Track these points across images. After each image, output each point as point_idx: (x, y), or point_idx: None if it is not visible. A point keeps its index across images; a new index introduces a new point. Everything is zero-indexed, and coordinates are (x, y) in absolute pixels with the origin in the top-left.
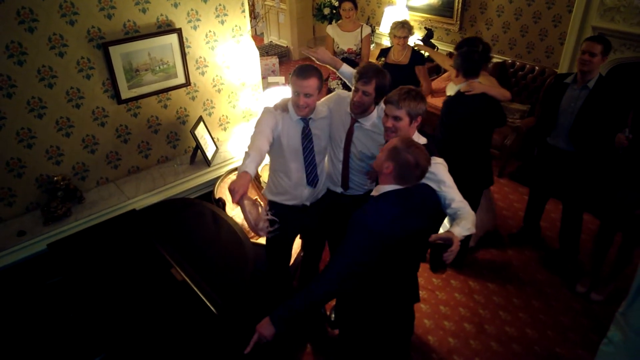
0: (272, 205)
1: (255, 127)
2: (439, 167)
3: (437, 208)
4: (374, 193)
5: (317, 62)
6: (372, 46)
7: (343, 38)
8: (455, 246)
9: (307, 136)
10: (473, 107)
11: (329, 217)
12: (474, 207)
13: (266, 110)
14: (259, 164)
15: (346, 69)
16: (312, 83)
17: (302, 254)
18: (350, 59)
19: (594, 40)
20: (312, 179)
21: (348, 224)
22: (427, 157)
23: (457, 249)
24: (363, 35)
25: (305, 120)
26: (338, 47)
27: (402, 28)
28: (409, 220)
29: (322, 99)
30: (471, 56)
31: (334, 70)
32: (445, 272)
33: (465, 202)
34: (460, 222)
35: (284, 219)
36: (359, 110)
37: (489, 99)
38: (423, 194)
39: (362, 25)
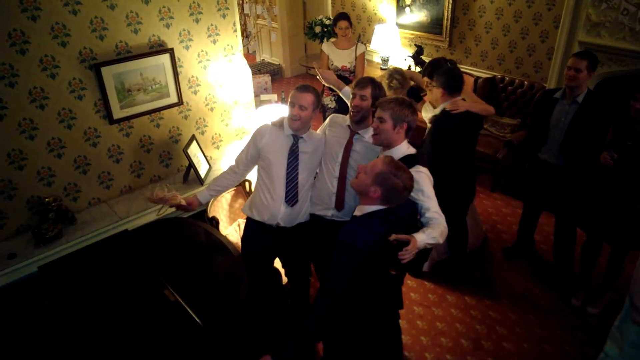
0: (247, 223)
1: (245, 146)
2: (421, 176)
3: (415, 219)
4: (357, 213)
5: (322, 82)
6: None
7: (338, 56)
8: (411, 246)
9: (293, 152)
10: (460, 125)
11: (317, 244)
12: (462, 220)
13: (255, 132)
14: (215, 195)
15: (348, 89)
16: (308, 97)
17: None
18: (344, 77)
19: (580, 56)
20: (291, 197)
21: (335, 245)
22: (412, 177)
23: (414, 250)
24: (357, 54)
25: (296, 138)
26: (332, 65)
27: (390, 87)
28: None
29: (320, 128)
30: (454, 73)
31: (337, 89)
32: (397, 273)
33: (441, 214)
34: (426, 230)
35: (256, 236)
36: (359, 116)
37: (473, 115)
38: (406, 210)
39: (356, 44)
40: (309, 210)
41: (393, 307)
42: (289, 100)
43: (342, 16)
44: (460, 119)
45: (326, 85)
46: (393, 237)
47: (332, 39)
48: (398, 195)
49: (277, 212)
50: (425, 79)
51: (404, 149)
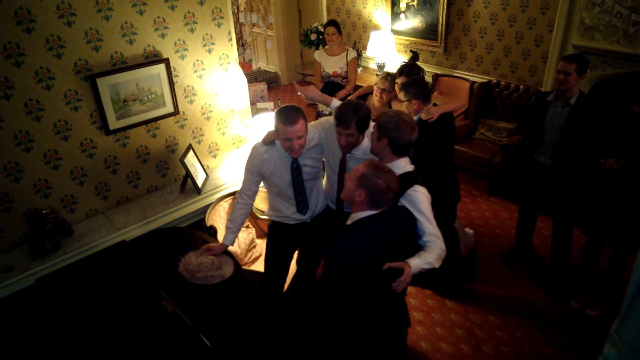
0: (274, 224)
1: (243, 178)
2: (419, 196)
3: (414, 231)
4: (349, 222)
5: (307, 100)
6: (359, 70)
7: (328, 62)
8: (405, 277)
9: (296, 170)
10: (440, 131)
11: (325, 232)
12: (452, 224)
13: (250, 159)
14: (238, 233)
15: (336, 104)
16: (301, 126)
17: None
18: (336, 82)
19: (569, 59)
20: (301, 206)
21: (325, 253)
22: (396, 178)
23: (407, 280)
24: (348, 59)
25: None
26: (324, 71)
27: (385, 80)
28: (384, 245)
29: (312, 124)
30: (423, 81)
31: (324, 105)
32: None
33: (439, 236)
34: (422, 254)
35: (285, 235)
36: (349, 149)
37: (446, 116)
38: (400, 217)
39: (347, 50)
40: (325, 201)
41: (400, 326)
42: (281, 135)
43: (330, 23)
44: (439, 124)
45: (311, 101)
46: (386, 265)
47: (326, 46)
48: (383, 197)
49: (299, 217)
50: (400, 79)
51: (402, 164)
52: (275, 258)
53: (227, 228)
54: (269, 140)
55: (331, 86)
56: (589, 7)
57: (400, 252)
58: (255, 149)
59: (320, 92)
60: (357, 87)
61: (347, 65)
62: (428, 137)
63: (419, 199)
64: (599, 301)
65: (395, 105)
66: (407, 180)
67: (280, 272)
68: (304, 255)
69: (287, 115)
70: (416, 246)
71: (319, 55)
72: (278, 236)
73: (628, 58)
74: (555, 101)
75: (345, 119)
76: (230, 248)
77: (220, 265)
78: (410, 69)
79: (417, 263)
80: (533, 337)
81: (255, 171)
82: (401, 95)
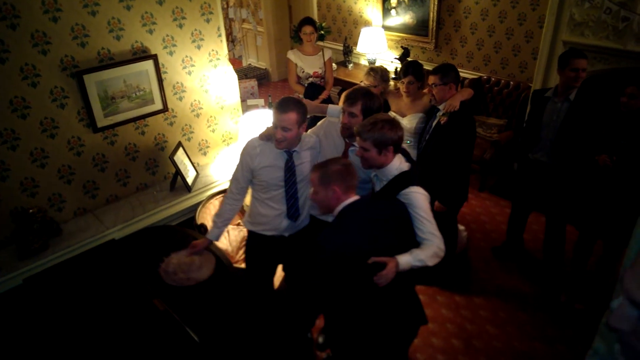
0: (251, 235)
1: (234, 171)
2: (416, 197)
3: (407, 225)
4: (331, 217)
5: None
6: (350, 66)
7: (307, 62)
8: (387, 271)
9: (290, 168)
10: (473, 119)
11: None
12: (454, 219)
13: (242, 151)
14: (224, 229)
15: (332, 108)
16: (290, 117)
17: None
18: (317, 84)
19: (582, 56)
20: (292, 212)
21: (316, 246)
22: (346, 162)
23: (390, 275)
24: (325, 59)
25: (289, 152)
26: (303, 72)
27: (368, 75)
28: (372, 233)
29: (313, 128)
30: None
31: (323, 114)
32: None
33: (436, 235)
34: (414, 251)
35: (261, 249)
36: (347, 132)
37: (465, 106)
38: (389, 208)
39: (322, 49)
40: (309, 213)
41: (413, 323)
42: (272, 120)
43: (307, 21)
44: (470, 113)
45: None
46: (372, 259)
47: (300, 46)
48: (347, 175)
49: (280, 226)
50: (408, 78)
51: (397, 164)
52: (255, 272)
53: (213, 222)
54: (265, 136)
55: (313, 88)
56: (578, 3)
57: (390, 234)
58: (249, 142)
59: (314, 104)
60: (347, 85)
61: (324, 64)
62: (469, 129)
63: (416, 199)
64: (588, 295)
65: (392, 100)
66: (402, 181)
67: (264, 283)
68: (288, 275)
69: (283, 103)
70: (409, 227)
71: (294, 56)
72: (256, 248)
73: (617, 54)
74: (554, 97)
75: (353, 96)
76: (222, 246)
77: (201, 266)
78: (415, 65)
79: (406, 260)
80: (523, 331)
81: (246, 164)
82: (436, 79)
